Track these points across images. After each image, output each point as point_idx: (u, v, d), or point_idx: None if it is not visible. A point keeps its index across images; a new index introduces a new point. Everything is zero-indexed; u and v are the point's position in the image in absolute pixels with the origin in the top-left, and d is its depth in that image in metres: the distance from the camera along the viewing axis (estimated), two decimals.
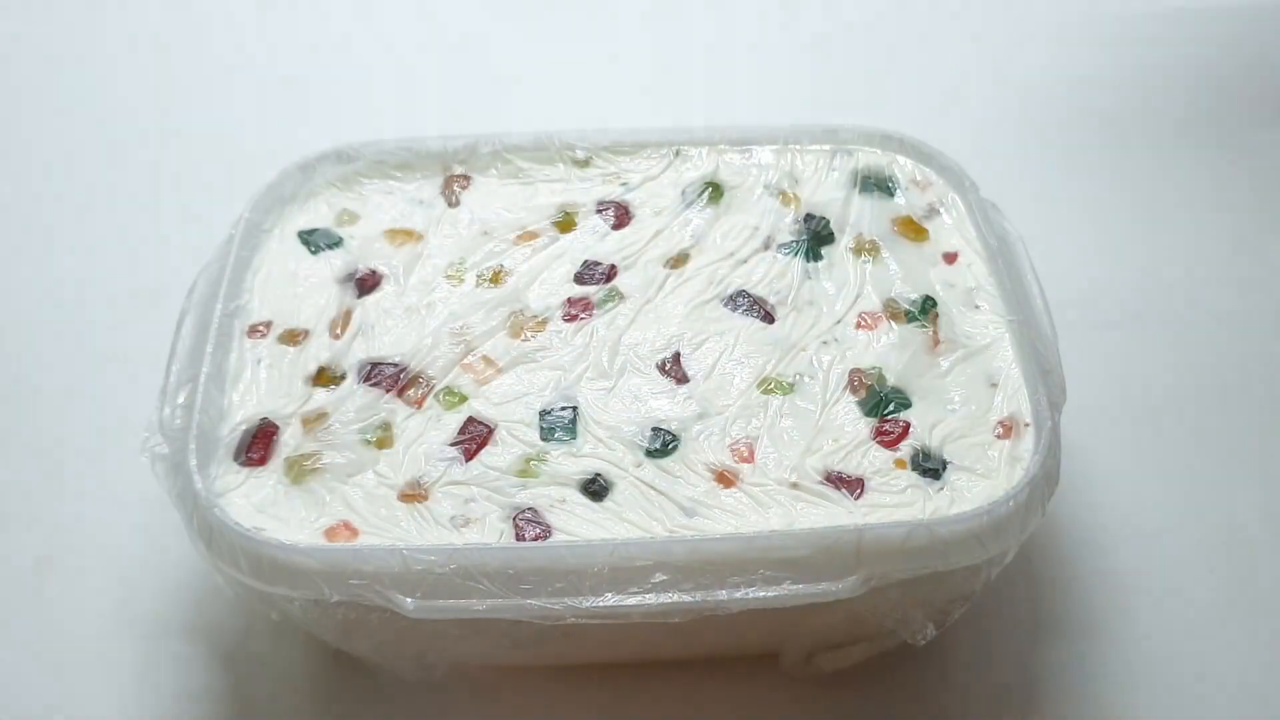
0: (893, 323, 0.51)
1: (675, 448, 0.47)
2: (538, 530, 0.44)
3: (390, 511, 0.45)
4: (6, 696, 0.49)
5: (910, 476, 0.46)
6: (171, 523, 0.46)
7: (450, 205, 0.56)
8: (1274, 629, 0.51)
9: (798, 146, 0.57)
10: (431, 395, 0.48)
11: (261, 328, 0.51)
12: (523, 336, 0.50)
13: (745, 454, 0.46)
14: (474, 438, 0.47)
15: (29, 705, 0.49)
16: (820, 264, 0.53)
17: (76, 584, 0.53)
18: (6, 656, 0.50)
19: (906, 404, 0.48)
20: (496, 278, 0.53)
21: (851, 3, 0.66)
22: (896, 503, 0.45)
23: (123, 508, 0.55)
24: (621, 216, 0.55)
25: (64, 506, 0.55)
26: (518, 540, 0.44)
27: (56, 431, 0.58)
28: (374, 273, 0.53)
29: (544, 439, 0.47)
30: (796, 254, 0.54)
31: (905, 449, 0.47)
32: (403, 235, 0.54)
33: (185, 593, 0.52)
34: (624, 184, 0.56)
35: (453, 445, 0.47)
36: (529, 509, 0.45)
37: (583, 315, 0.51)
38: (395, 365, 0.49)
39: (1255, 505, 0.55)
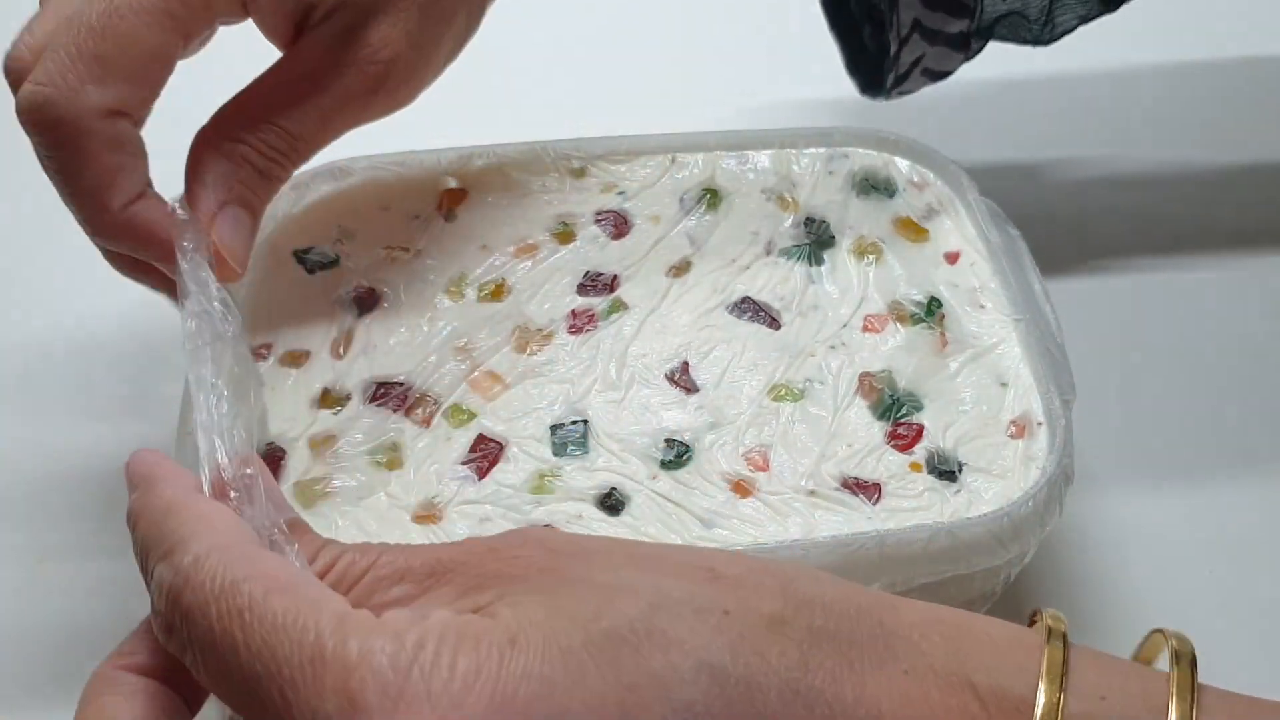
0: (899, 325, 0.51)
1: (689, 459, 0.46)
2: None
3: (405, 533, 0.44)
4: (6, 697, 0.48)
5: (927, 480, 0.46)
6: None
7: (447, 220, 0.55)
8: (1274, 629, 0.51)
9: (794, 150, 0.57)
10: (439, 413, 0.48)
11: (262, 350, 0.50)
12: (528, 351, 0.50)
13: (760, 462, 0.46)
14: (485, 455, 0.47)
15: (28, 705, 0.48)
16: (823, 268, 0.53)
17: (77, 584, 0.52)
18: (6, 657, 0.50)
19: (918, 406, 0.48)
20: (498, 292, 0.52)
21: None
22: (914, 506, 0.45)
23: (123, 509, 0.54)
24: (620, 225, 0.55)
25: (65, 507, 0.55)
26: None
27: (57, 430, 0.58)
28: (373, 290, 0.52)
29: (556, 454, 0.46)
30: (798, 258, 0.53)
31: (920, 452, 0.46)
32: (400, 251, 0.54)
33: None
34: (621, 192, 0.56)
35: (464, 464, 0.46)
36: (546, 526, 0.44)
37: (588, 327, 0.51)
38: (401, 384, 0.49)
39: (1256, 505, 0.55)
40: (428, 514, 0.45)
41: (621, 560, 0.31)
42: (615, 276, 0.53)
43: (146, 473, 0.35)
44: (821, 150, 0.57)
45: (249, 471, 0.35)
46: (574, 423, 0.47)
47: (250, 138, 0.45)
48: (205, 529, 0.31)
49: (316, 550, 0.33)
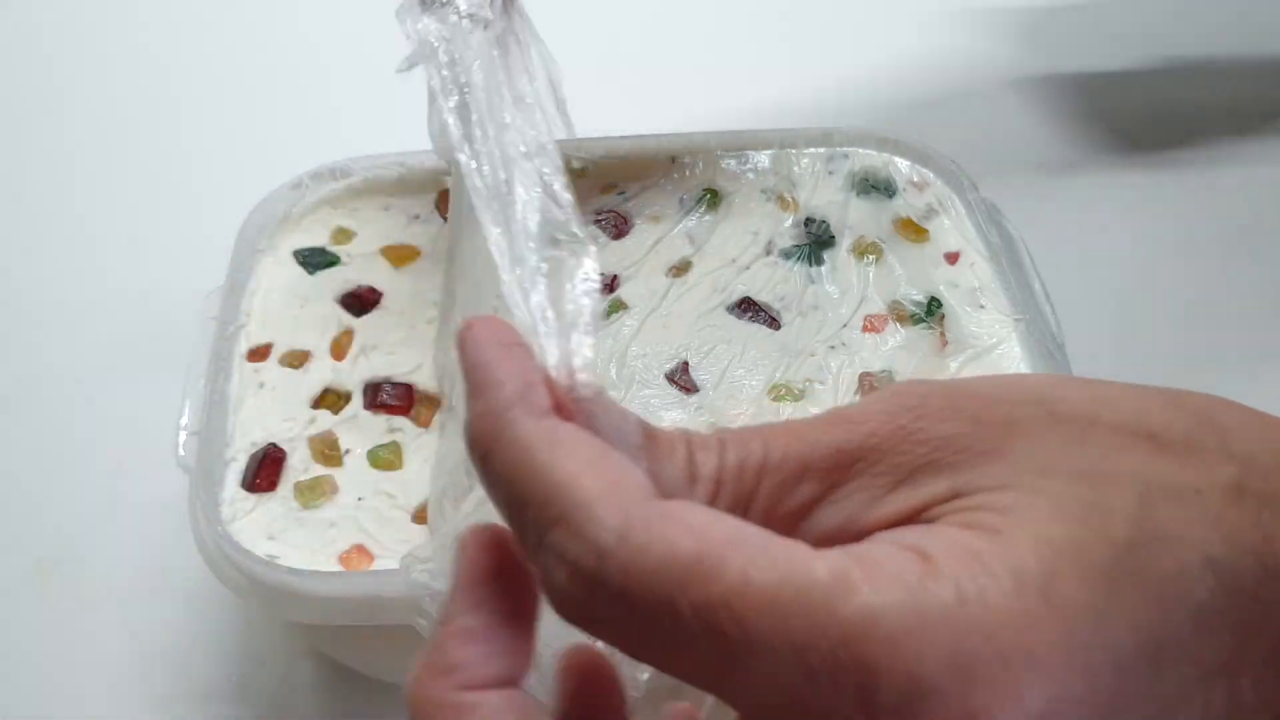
0: (899, 325, 0.51)
1: None
2: None
3: (405, 534, 0.44)
4: (5, 696, 0.49)
5: None
6: (172, 525, 0.46)
7: (447, 220, 0.55)
8: None
9: (793, 150, 0.57)
10: (439, 414, 0.48)
11: (262, 350, 0.50)
12: None
13: None
14: None
15: (27, 705, 0.48)
16: (823, 268, 0.53)
17: (76, 585, 0.52)
18: (5, 656, 0.50)
19: None
20: None
21: (842, 4, 0.66)
22: None
23: (122, 508, 0.54)
24: (620, 225, 0.55)
25: (64, 507, 0.55)
26: None
27: (57, 431, 0.58)
28: (373, 290, 0.52)
29: None
30: (798, 259, 0.53)
31: None
32: (400, 251, 0.54)
33: (184, 593, 0.51)
34: (621, 193, 0.56)
35: (464, 464, 0.46)
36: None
37: None
38: (401, 384, 0.49)
39: None
40: (428, 514, 0.45)
41: (1051, 429, 0.26)
42: (615, 276, 0.53)
43: (484, 378, 0.26)
44: (821, 150, 0.57)
45: (590, 381, 0.27)
46: None
47: None
48: (605, 485, 0.24)
49: (688, 464, 0.26)
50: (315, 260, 0.53)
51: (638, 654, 0.24)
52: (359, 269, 0.53)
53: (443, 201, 0.56)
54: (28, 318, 0.63)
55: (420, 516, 0.45)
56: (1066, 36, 0.76)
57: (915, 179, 0.56)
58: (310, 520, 0.45)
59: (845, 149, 0.57)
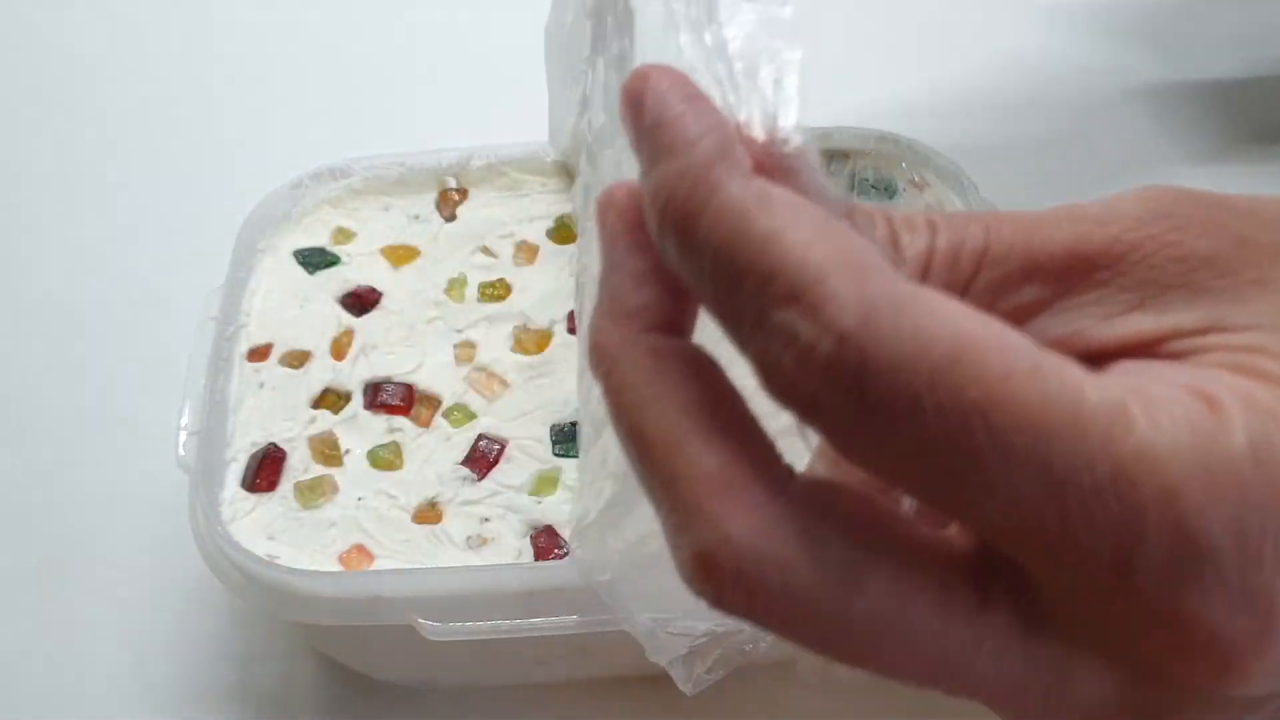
0: None
1: None
2: (558, 548, 0.44)
3: (405, 534, 0.44)
4: (5, 696, 0.49)
5: None
6: (172, 525, 0.46)
7: (446, 220, 0.55)
8: None
9: None
10: (439, 414, 0.48)
11: (262, 350, 0.50)
12: (529, 351, 0.50)
13: None
14: (485, 455, 0.47)
15: (27, 705, 0.48)
16: None
17: (76, 585, 0.52)
18: (5, 656, 0.50)
19: None
20: (498, 292, 0.52)
21: (841, 2, 0.66)
22: None
23: (122, 508, 0.54)
24: None
25: (64, 507, 0.55)
26: (537, 559, 0.43)
27: (57, 431, 0.58)
28: (374, 290, 0.52)
29: (556, 454, 0.47)
30: None
31: None
32: (400, 251, 0.54)
33: (184, 593, 0.51)
34: None
35: (464, 464, 0.46)
36: (546, 526, 0.44)
37: None
38: (401, 384, 0.49)
39: None
40: (428, 515, 0.45)
41: None
42: None
43: (676, 134, 0.22)
44: (822, 150, 0.57)
45: (794, 133, 0.23)
46: (574, 423, 0.47)
47: None
48: (842, 259, 0.21)
49: (890, 241, 0.23)
50: (315, 260, 0.53)
51: (861, 454, 0.21)
52: (359, 269, 0.53)
53: (443, 201, 0.56)
54: (28, 317, 0.63)
55: (420, 516, 0.45)
56: (1068, 32, 0.76)
57: (915, 179, 0.56)
58: (310, 520, 0.45)
59: (845, 149, 0.57)
